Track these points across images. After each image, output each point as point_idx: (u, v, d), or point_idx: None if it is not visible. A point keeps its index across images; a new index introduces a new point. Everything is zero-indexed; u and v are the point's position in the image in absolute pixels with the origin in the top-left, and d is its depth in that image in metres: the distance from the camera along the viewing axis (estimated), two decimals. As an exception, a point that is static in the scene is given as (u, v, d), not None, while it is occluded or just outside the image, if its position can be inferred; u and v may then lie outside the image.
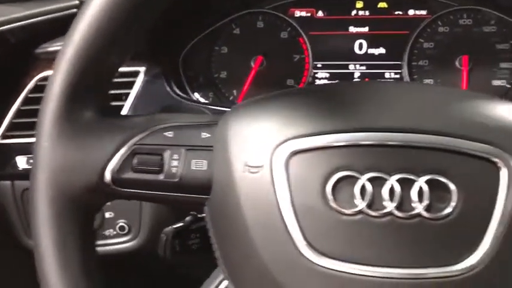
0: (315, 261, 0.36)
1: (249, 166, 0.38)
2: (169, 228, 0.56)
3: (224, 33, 0.79)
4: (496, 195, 0.35)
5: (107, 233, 0.71)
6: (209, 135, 0.41)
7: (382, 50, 0.77)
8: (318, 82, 0.78)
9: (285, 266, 0.37)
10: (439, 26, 0.74)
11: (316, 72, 0.78)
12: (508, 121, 0.37)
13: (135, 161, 0.41)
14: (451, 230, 0.35)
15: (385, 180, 0.36)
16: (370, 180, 0.36)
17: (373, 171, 0.36)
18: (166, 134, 0.42)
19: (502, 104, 0.39)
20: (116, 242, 0.71)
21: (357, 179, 0.36)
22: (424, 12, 0.76)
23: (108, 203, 0.69)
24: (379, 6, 0.77)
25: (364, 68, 0.77)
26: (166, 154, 0.41)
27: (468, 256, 0.35)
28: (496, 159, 0.36)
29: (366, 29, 0.77)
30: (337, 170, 0.37)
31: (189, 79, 0.78)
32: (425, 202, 0.35)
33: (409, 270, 0.35)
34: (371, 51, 0.77)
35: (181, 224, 0.57)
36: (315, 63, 0.78)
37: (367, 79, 0.77)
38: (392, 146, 0.37)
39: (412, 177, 0.36)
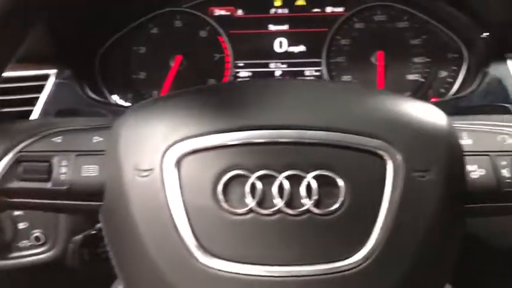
0: (206, 263, 0.35)
1: (139, 170, 0.37)
2: (78, 237, 0.54)
3: (142, 32, 0.77)
4: (383, 188, 0.36)
5: (21, 244, 0.68)
6: (101, 139, 0.40)
7: (301, 48, 0.77)
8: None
9: (177, 268, 0.36)
10: (355, 22, 0.75)
11: (238, 71, 0.77)
12: (393, 114, 0.38)
13: (20, 169, 0.39)
14: (340, 225, 0.35)
15: (275, 177, 0.36)
16: (260, 178, 0.36)
17: (263, 169, 0.36)
18: (54, 139, 0.40)
19: (390, 97, 0.40)
20: (31, 253, 0.68)
21: (247, 177, 0.36)
22: (341, 9, 0.77)
23: (20, 212, 0.66)
24: (297, 3, 0.77)
25: (285, 66, 0.77)
26: (55, 160, 0.39)
27: (358, 250, 0.35)
28: (382, 152, 0.36)
29: (285, 27, 0.77)
30: (228, 169, 0.36)
31: (107, 80, 0.75)
32: (314, 198, 0.35)
33: (299, 268, 0.35)
34: (291, 49, 0.77)
35: (91, 232, 0.55)
36: (236, 62, 0.77)
37: (288, 77, 0.77)
38: (281, 143, 0.36)
39: (300, 173, 0.36)
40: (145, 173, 0.37)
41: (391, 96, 0.40)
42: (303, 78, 0.75)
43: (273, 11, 0.78)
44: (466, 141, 0.39)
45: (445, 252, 0.38)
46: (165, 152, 0.37)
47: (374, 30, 0.74)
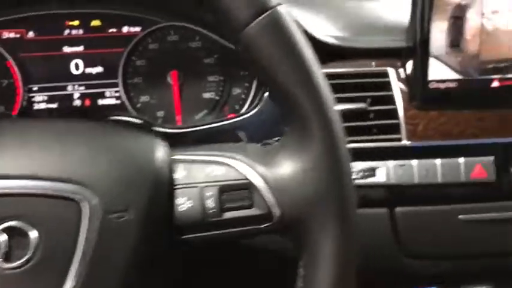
0: None
1: None
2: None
3: None
4: (77, 234, 0.36)
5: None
6: None
7: (99, 69, 0.76)
8: (36, 106, 0.75)
9: None
10: (150, 43, 0.75)
11: (33, 96, 0.74)
12: (95, 155, 0.38)
13: None
14: (34, 276, 0.35)
15: None
16: None
17: None
18: None
19: (102, 135, 0.40)
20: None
21: None
22: (138, 29, 0.76)
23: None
24: (92, 24, 0.76)
25: (83, 88, 0.75)
26: None
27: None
28: (78, 197, 0.36)
29: (80, 48, 0.75)
30: None
31: None
32: (3, 251, 0.34)
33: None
34: (88, 70, 0.76)
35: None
36: (30, 86, 0.74)
37: (88, 99, 0.76)
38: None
39: (-12, 227, 0.34)
40: None
41: (108, 134, 0.40)
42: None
43: (67, 32, 0.76)
44: (180, 174, 0.41)
45: (158, 280, 0.39)
46: None
47: (168, 51, 0.75)
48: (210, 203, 0.39)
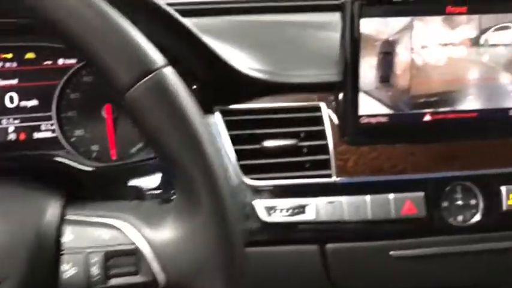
0: None
1: None
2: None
3: None
4: None
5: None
6: None
7: (34, 102, 0.75)
8: (-31, 141, 0.74)
9: None
10: (84, 75, 0.74)
11: (-34, 130, 0.73)
12: None
13: None
14: None
15: None
16: None
17: None
18: None
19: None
20: None
21: None
22: (73, 61, 0.75)
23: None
24: (26, 57, 0.75)
25: (18, 121, 0.74)
26: None
27: None
28: None
29: (15, 81, 0.74)
30: None
31: None
32: None
33: None
34: (23, 103, 0.74)
35: None
36: (-37, 121, 0.73)
37: (23, 133, 0.75)
38: None
39: None
40: None
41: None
42: None
43: (0, 65, 0.74)
44: (67, 237, 0.40)
45: None
46: None
47: (102, 83, 0.74)
48: (95, 270, 0.39)
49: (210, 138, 0.39)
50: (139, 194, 0.68)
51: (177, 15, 0.61)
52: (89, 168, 0.68)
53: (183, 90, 0.39)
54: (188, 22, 0.64)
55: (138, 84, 0.38)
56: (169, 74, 0.39)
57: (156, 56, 0.39)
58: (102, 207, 0.42)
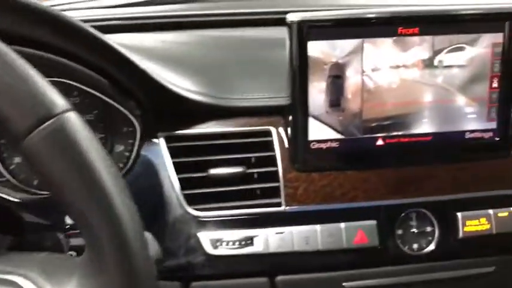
0: None
1: None
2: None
3: None
4: None
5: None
6: None
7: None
8: None
9: None
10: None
11: None
12: None
13: None
14: None
15: None
16: None
17: None
18: None
19: None
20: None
21: None
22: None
23: None
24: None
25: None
26: None
27: None
28: None
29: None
30: None
31: None
32: None
33: None
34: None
35: None
36: None
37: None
38: None
39: None
40: None
41: None
42: None
43: None
44: None
45: None
46: None
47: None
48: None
49: (119, 190, 0.36)
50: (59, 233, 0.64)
51: (100, 36, 0.57)
52: (16, 200, 0.64)
53: (87, 137, 0.36)
54: (117, 41, 0.60)
55: (36, 131, 0.34)
56: (72, 119, 0.35)
57: (58, 101, 0.35)
58: (7, 260, 0.39)
